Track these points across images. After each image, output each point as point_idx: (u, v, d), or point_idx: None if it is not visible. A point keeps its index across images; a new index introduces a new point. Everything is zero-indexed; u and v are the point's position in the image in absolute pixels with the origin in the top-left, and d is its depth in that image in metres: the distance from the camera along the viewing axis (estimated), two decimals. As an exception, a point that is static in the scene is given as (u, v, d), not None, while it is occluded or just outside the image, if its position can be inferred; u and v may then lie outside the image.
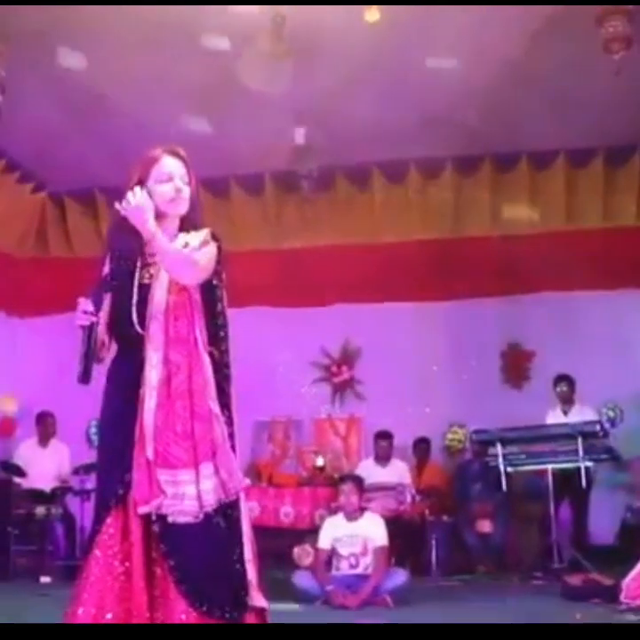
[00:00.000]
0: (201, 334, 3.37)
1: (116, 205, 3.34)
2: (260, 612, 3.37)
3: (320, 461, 10.33)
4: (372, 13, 7.55)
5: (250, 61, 7.83)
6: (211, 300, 3.45)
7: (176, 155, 3.53)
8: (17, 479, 9.47)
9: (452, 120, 9.19)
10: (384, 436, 9.90)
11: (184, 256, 3.37)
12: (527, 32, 7.94)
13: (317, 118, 8.93)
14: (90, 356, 3.37)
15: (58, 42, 7.94)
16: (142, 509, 3.19)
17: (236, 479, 3.32)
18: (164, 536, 3.19)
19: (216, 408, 3.32)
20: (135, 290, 3.42)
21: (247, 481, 3.45)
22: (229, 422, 3.40)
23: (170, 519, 3.20)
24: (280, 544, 8.62)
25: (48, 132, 9.39)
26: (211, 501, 3.23)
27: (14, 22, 7.58)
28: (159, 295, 3.38)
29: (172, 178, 3.47)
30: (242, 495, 3.39)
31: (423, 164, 10.73)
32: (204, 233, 3.48)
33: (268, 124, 9.10)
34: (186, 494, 3.21)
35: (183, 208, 3.50)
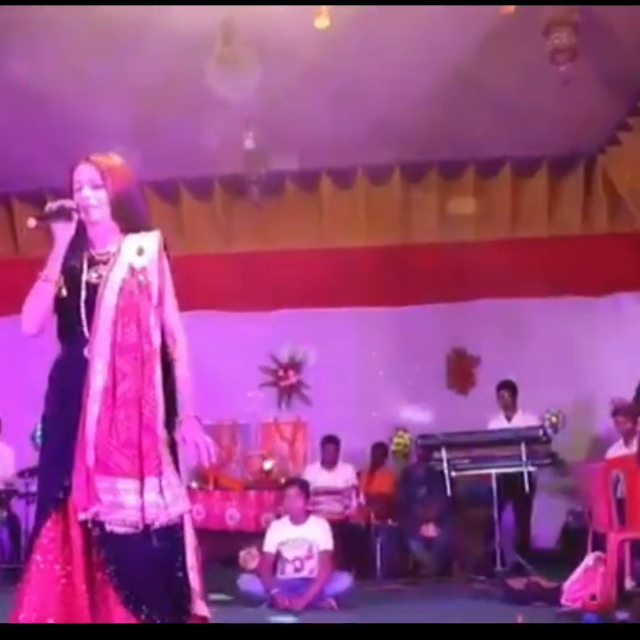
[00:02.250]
0: (155, 343, 3.33)
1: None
2: (202, 620, 3.34)
3: (268, 465, 10.31)
4: (322, 20, 7.58)
5: (199, 64, 7.81)
6: (160, 305, 3.41)
7: (86, 160, 3.46)
8: (-39, 483, 9.38)
9: (400, 126, 9.26)
10: (331, 440, 9.92)
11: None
12: (476, 40, 8.01)
13: (267, 123, 8.93)
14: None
15: (2, 42, 7.87)
16: (80, 516, 3.16)
17: (180, 502, 3.29)
18: (102, 543, 3.15)
19: (162, 425, 3.30)
20: (83, 287, 3.37)
21: (188, 507, 3.39)
22: (177, 428, 3.39)
23: (107, 528, 3.15)
24: (226, 547, 8.61)
25: (-6, 132, 9.31)
26: (153, 516, 3.18)
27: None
28: (108, 298, 3.32)
29: (80, 187, 3.43)
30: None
31: (371, 170, 10.81)
32: (155, 238, 3.47)
33: (218, 128, 9.09)
34: (125, 503, 3.17)
35: (94, 214, 3.41)
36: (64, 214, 3.34)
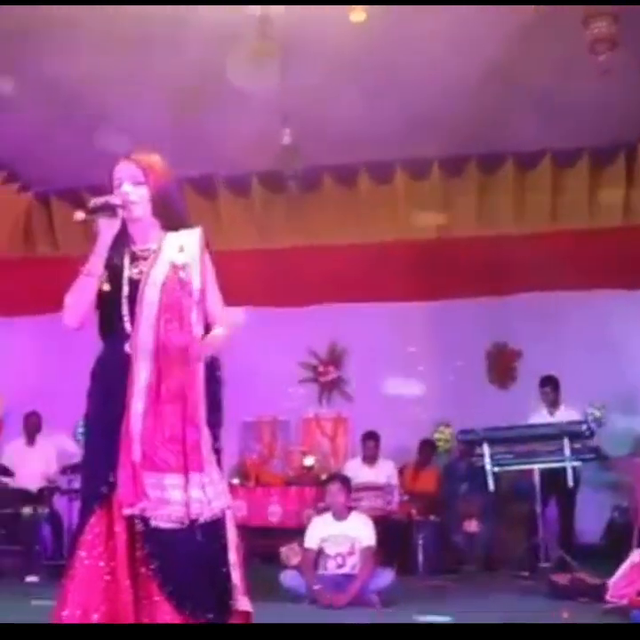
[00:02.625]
0: (197, 340, 3.33)
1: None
2: (245, 615, 3.35)
3: (308, 461, 10.33)
4: (358, 14, 7.56)
5: (236, 61, 7.81)
6: (203, 301, 3.42)
7: (126, 157, 3.49)
8: (4, 479, 9.44)
9: (439, 120, 9.20)
10: (371, 436, 9.89)
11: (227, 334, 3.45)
12: (513, 31, 7.94)
13: (304, 118, 8.91)
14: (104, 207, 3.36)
15: (39, 41, 7.90)
16: (126, 511, 3.17)
17: (222, 498, 3.31)
18: (147, 538, 3.17)
19: (204, 421, 3.31)
20: (125, 283, 3.38)
21: (229, 502, 3.41)
22: (219, 426, 3.40)
23: (152, 523, 3.17)
24: (267, 543, 8.61)
25: (33, 131, 9.37)
26: (197, 511, 3.20)
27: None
28: (151, 294, 3.33)
29: (121, 183, 3.44)
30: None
31: (410, 165, 10.76)
32: (196, 235, 3.47)
33: (255, 124, 9.09)
34: (171, 499, 3.19)
35: (135, 211, 3.42)
36: (109, 210, 3.35)
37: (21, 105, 8.79)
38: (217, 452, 3.37)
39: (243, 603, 3.33)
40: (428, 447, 10.31)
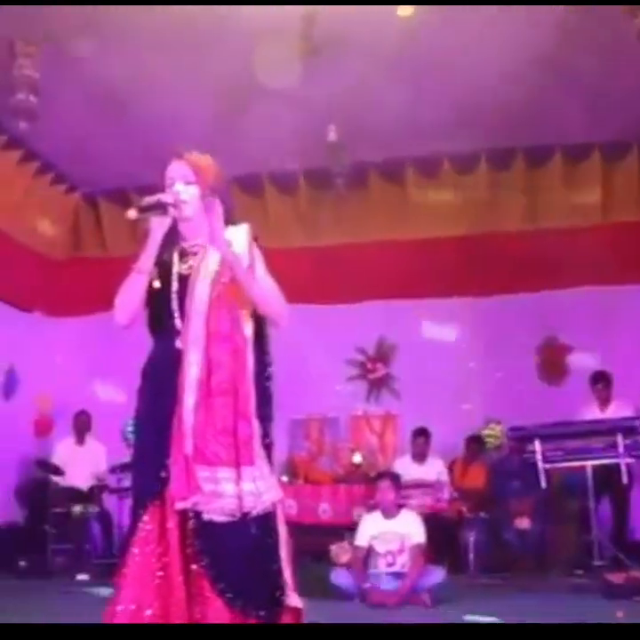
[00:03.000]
0: (248, 334, 3.37)
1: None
2: (296, 612, 3.35)
3: (357, 458, 10.31)
4: (405, 8, 7.52)
5: (280, 58, 7.80)
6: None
7: (179, 157, 3.51)
8: (54, 478, 9.53)
9: (485, 113, 9.14)
10: (421, 433, 9.85)
11: (278, 294, 3.43)
12: (559, 22, 7.84)
13: (350, 115, 8.89)
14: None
15: (89, 43, 7.95)
16: (179, 505, 3.19)
17: (272, 490, 3.31)
18: (199, 533, 3.18)
19: (256, 413, 3.32)
20: (175, 279, 3.41)
21: (280, 495, 3.41)
22: (269, 421, 3.40)
23: (205, 517, 3.18)
24: (317, 541, 8.59)
25: (81, 132, 9.44)
26: (250, 504, 3.21)
27: (45, 24, 7.61)
28: (201, 288, 3.36)
29: (173, 183, 3.47)
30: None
31: (457, 159, 10.68)
32: (244, 231, 3.47)
33: (301, 121, 9.08)
34: (225, 492, 3.20)
35: (186, 210, 3.44)
36: (160, 208, 3.38)
37: (69, 106, 8.85)
38: (267, 447, 3.38)
39: (294, 599, 3.33)
40: (474, 443, 10.23)
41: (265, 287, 3.43)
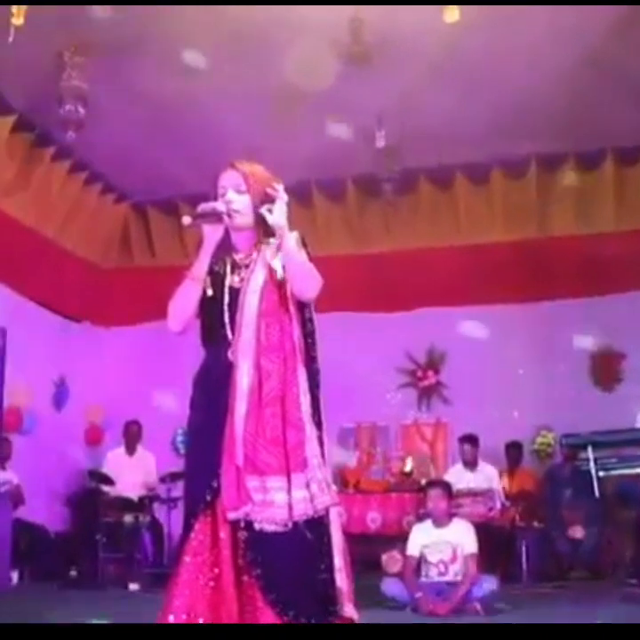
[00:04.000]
0: (297, 342, 3.37)
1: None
2: (350, 622, 3.31)
3: (408, 467, 10.26)
4: (452, 13, 7.46)
5: (328, 65, 7.80)
6: (300, 305, 3.44)
7: (231, 166, 3.52)
8: (105, 487, 9.57)
9: (535, 116, 9.06)
10: (468, 439, 9.75)
11: (310, 267, 3.40)
12: (609, 22, 7.74)
13: (398, 120, 8.85)
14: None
15: (136, 54, 8.01)
16: (231, 515, 3.18)
17: (326, 494, 3.27)
18: (250, 544, 3.17)
19: (309, 419, 3.31)
20: (226, 291, 3.42)
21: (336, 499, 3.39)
22: (320, 428, 3.38)
23: (257, 526, 3.17)
24: (368, 550, 8.55)
25: (129, 142, 9.51)
26: (300, 512, 3.19)
27: (93, 35, 7.68)
28: (251, 300, 3.37)
29: (225, 192, 3.47)
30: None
31: (507, 164, 10.60)
32: (294, 236, 3.46)
33: (349, 127, 9.07)
34: (275, 502, 3.18)
35: (238, 219, 3.44)
36: (214, 216, 3.40)
37: (118, 115, 8.91)
38: (320, 454, 3.34)
39: (348, 609, 3.30)
40: (513, 449, 10.19)
41: (306, 263, 3.42)
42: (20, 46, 5.29)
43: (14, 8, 4.77)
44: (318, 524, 3.26)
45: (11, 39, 4.97)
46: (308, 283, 3.40)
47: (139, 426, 10.42)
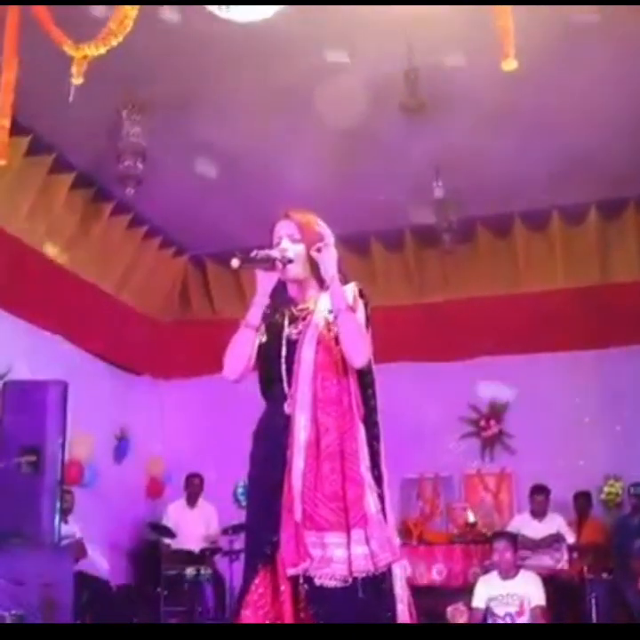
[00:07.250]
0: (353, 396, 3.34)
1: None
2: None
3: (471, 517, 10.13)
4: (509, 63, 7.44)
5: (384, 115, 7.82)
6: None
7: (285, 216, 3.54)
8: (166, 540, 9.57)
9: (594, 162, 8.99)
10: (541, 490, 9.61)
11: (361, 332, 3.37)
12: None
13: (455, 170, 8.84)
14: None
15: (193, 108, 8.11)
16: (290, 571, 3.15)
17: (387, 551, 3.22)
18: (312, 598, 3.15)
19: (368, 474, 3.28)
20: (284, 343, 3.41)
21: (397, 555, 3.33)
22: (379, 482, 3.34)
23: (317, 582, 3.14)
24: (432, 603, 8.43)
25: (187, 196, 9.61)
26: (360, 568, 3.14)
27: (150, 92, 7.79)
28: (307, 353, 3.35)
29: (280, 241, 3.50)
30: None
31: (566, 211, 10.52)
32: (351, 288, 3.44)
33: (406, 178, 9.08)
34: (334, 557, 3.14)
35: (293, 269, 3.46)
36: (267, 262, 3.41)
37: (177, 170, 9.01)
38: (381, 509, 3.30)
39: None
40: (582, 499, 10.00)
41: (358, 326, 3.38)
42: (79, 105, 5.36)
43: (74, 68, 4.85)
44: (380, 579, 3.21)
45: (71, 99, 5.02)
46: (356, 348, 3.34)
47: (200, 478, 10.44)
